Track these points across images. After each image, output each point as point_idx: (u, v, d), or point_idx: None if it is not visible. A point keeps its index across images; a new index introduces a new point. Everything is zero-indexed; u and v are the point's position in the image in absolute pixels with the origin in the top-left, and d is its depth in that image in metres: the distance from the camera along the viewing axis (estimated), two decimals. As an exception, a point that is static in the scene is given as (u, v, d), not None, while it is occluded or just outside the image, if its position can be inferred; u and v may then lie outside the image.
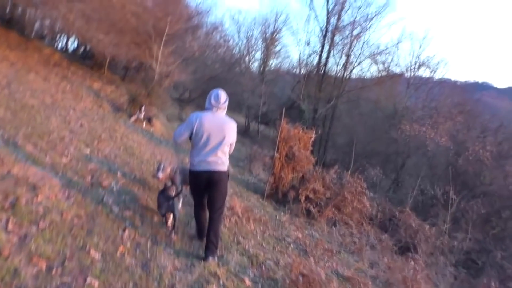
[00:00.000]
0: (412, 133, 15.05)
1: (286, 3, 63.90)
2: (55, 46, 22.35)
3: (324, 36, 23.67)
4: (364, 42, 23.59)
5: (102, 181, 4.89)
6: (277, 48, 30.90)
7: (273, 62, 31.38)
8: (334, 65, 24.07)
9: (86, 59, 19.19)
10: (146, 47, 14.41)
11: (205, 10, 25.22)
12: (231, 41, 31.86)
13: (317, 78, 23.44)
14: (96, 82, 14.20)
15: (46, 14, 12.42)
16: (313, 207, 9.11)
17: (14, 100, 6.71)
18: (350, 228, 9.14)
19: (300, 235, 6.91)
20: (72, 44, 23.44)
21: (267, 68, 30.10)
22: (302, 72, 25.04)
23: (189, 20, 20.20)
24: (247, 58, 31.24)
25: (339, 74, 23.58)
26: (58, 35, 22.75)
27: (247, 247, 4.84)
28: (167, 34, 14.75)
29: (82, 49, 21.15)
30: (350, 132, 20.29)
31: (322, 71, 23.70)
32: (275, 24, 29.87)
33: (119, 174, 5.55)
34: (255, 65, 32.15)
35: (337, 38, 23.78)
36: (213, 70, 24.71)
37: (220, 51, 30.05)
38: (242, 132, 23.94)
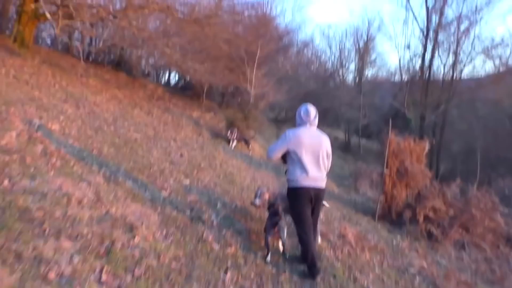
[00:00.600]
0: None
1: (379, 9, 61.14)
2: (159, 82, 24.03)
3: (426, 37, 21.61)
4: (474, 37, 21.11)
5: (202, 214, 4.59)
6: (372, 57, 29.45)
7: (369, 72, 29.90)
8: (441, 67, 21.86)
9: (186, 90, 20.14)
10: (240, 71, 14.54)
11: (295, 29, 25.14)
12: (323, 56, 31.27)
13: (421, 83, 21.39)
14: (195, 111, 14.64)
15: (148, 52, 13.20)
16: (435, 228, 7.92)
17: (118, 136, 6.93)
18: (483, 252, 7.77)
19: (424, 264, 5.91)
20: (174, 78, 24.97)
21: (363, 79, 28.71)
22: (404, 78, 23.18)
23: (280, 40, 20.18)
24: (341, 71, 30.23)
25: (447, 76, 21.30)
26: (161, 72, 24.43)
27: (365, 283, 4.12)
28: (259, 57, 14.76)
29: (182, 81, 22.34)
30: (467, 138, 18.05)
31: (427, 75, 21.61)
32: (368, 33, 28.57)
33: (219, 205, 5.25)
34: (350, 77, 30.96)
35: (441, 36, 21.56)
36: (307, 87, 24.29)
37: (313, 68, 29.64)
38: (343, 148, 22.90)
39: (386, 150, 8.18)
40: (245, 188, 6.96)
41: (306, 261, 3.76)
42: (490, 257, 7.55)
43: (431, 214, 8.01)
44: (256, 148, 12.84)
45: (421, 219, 8.00)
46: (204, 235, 3.97)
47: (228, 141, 11.45)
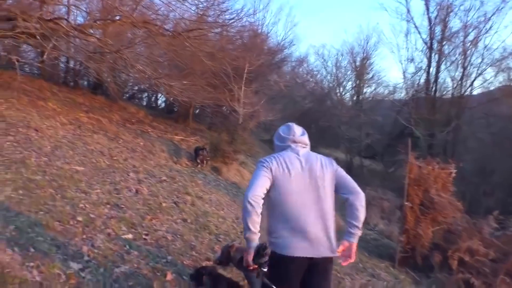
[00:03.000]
0: None
1: (376, 23, 60.30)
2: (146, 105, 22.45)
3: (430, 49, 19.90)
4: (484, 48, 18.74)
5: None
6: (370, 75, 27.80)
7: (367, 90, 28.23)
8: (449, 81, 19.92)
9: (172, 113, 18.58)
10: (226, 89, 12.91)
11: (288, 45, 23.63)
12: (318, 75, 29.71)
13: (428, 98, 19.62)
14: (179, 134, 13.01)
15: (116, 67, 11.46)
16: (475, 278, 6.12)
17: (44, 171, 5.15)
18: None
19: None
20: (162, 100, 23.34)
21: (361, 97, 27.01)
22: (408, 93, 21.38)
23: (272, 56, 18.69)
24: (338, 89, 28.59)
25: (456, 90, 19.48)
26: (150, 94, 22.90)
27: None
28: (247, 73, 13.18)
29: (169, 103, 20.74)
30: (480, 157, 16.26)
31: (434, 89, 19.90)
32: (364, 50, 26.98)
33: (169, 275, 3.44)
34: (348, 96, 29.27)
35: (446, 48, 19.77)
36: (303, 106, 22.71)
37: (308, 86, 28.10)
38: (345, 169, 20.94)
39: (405, 177, 6.40)
40: (221, 236, 5.17)
41: None
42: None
43: (467, 258, 6.22)
44: (246, 175, 11.02)
45: (454, 264, 6.20)
46: None
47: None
